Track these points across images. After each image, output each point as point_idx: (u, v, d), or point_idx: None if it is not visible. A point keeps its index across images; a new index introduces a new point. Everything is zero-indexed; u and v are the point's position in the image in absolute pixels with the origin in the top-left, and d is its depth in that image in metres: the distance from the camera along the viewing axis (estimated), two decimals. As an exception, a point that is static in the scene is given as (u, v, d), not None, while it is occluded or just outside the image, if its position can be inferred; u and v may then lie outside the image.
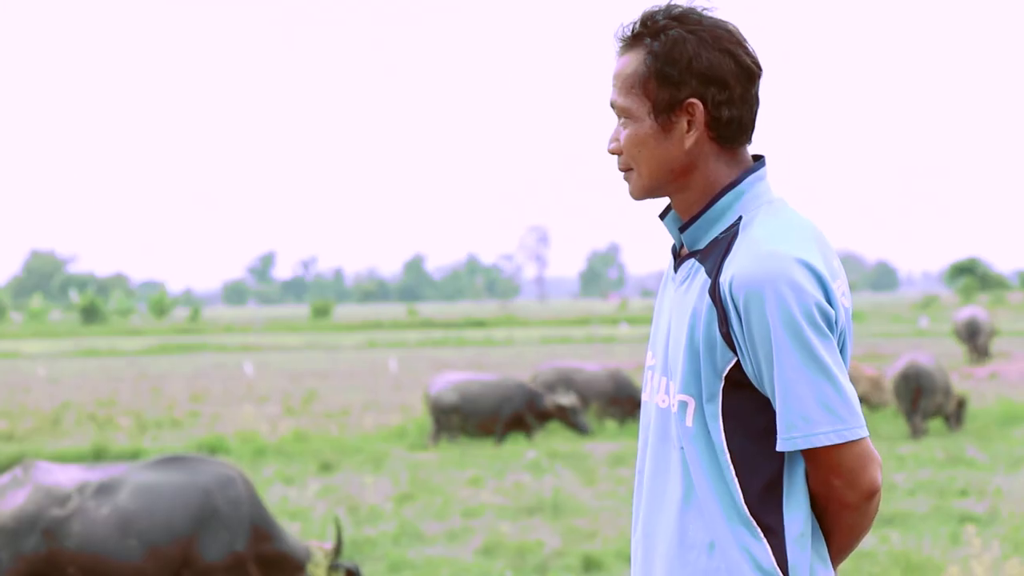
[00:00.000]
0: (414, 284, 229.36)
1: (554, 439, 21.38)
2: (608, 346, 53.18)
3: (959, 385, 28.32)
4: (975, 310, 39.71)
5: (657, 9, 3.18)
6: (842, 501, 3.05)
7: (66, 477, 9.31)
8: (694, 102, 3.13)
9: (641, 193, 3.23)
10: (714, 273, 3.07)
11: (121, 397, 31.51)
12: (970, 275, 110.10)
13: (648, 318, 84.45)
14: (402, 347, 58.15)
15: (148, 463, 9.60)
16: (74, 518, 9.04)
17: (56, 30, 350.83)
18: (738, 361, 3.04)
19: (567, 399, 21.37)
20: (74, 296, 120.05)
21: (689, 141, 3.15)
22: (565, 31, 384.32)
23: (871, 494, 3.06)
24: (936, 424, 22.57)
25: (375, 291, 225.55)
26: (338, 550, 10.09)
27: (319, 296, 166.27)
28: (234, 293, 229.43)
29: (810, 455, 3.02)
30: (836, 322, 3.04)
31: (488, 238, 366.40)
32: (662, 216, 3.32)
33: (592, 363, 23.57)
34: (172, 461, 9.57)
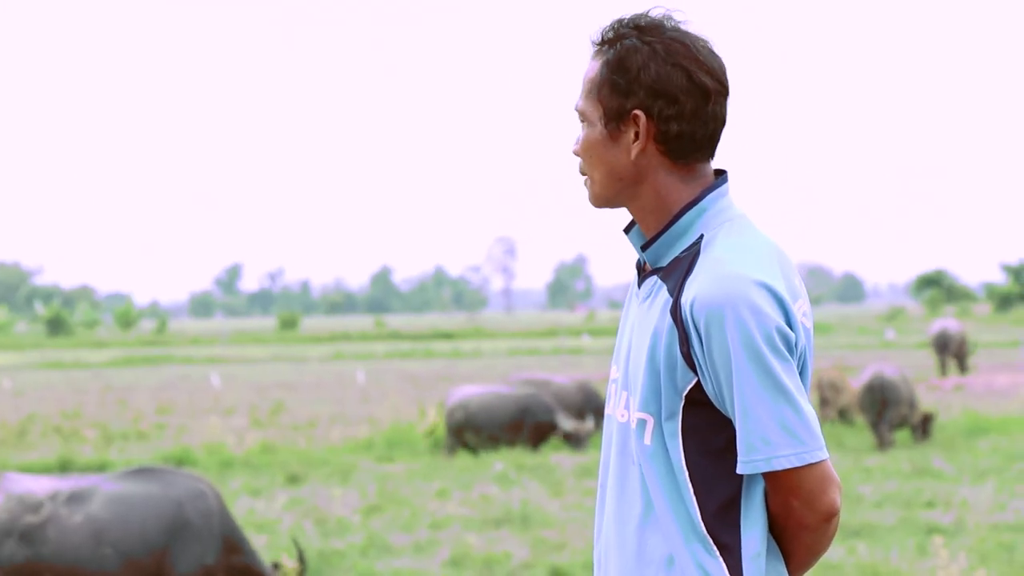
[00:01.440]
0: (381, 296, 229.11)
1: (520, 452, 21.36)
2: (575, 358, 53.21)
3: (926, 397, 28.44)
4: (948, 322, 39.87)
5: (627, 17, 3.17)
6: (801, 522, 3.05)
7: (37, 486, 9.29)
8: (638, 114, 3.12)
9: (594, 200, 3.23)
10: (675, 292, 3.06)
11: (87, 409, 31.38)
12: (936, 287, 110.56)
13: (614, 330, 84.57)
14: (370, 359, 58.07)
15: (118, 474, 9.59)
16: (48, 525, 9.02)
17: (20, 39, 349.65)
18: (698, 381, 3.03)
19: (574, 424, 21.41)
20: (39, 308, 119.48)
21: (635, 151, 3.13)
22: (531, 43, 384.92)
23: (830, 516, 3.05)
24: (902, 436, 22.65)
25: (342, 303, 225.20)
26: (302, 569, 10.08)
27: (286, 308, 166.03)
28: (201, 305, 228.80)
29: (770, 477, 3.02)
30: (796, 345, 3.03)
31: (455, 250, 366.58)
32: (626, 231, 3.30)
33: (560, 375, 23.55)
34: (142, 473, 9.57)
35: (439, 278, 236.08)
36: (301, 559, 10.08)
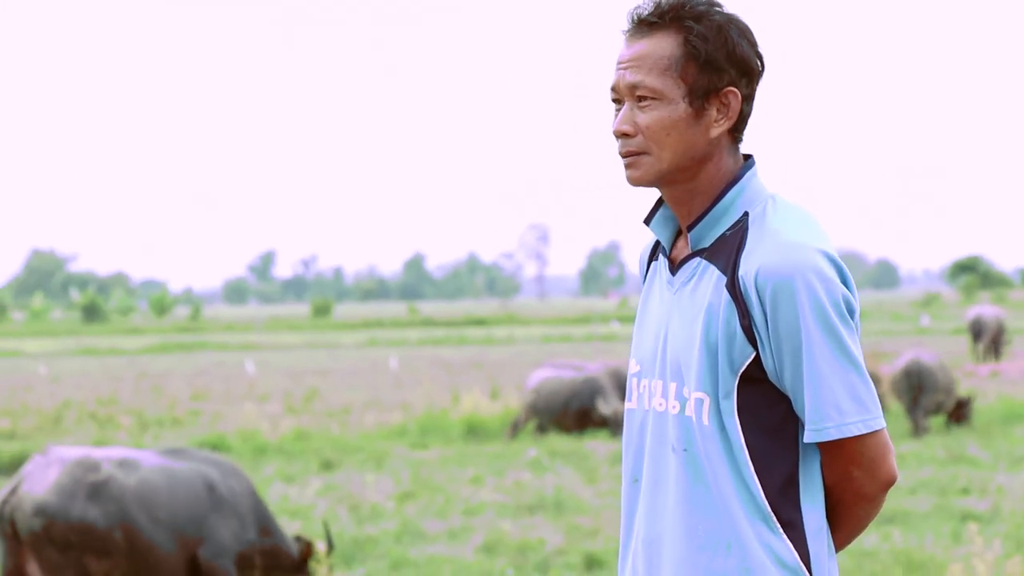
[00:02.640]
0: (414, 282, 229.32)
1: (554, 438, 21.36)
2: (608, 344, 53.15)
3: (961, 383, 28.32)
4: (983, 308, 39.77)
5: None
6: (860, 492, 3.07)
7: (85, 452, 9.35)
8: (733, 91, 3.11)
9: (652, 178, 3.16)
10: (730, 268, 3.05)
11: (122, 396, 31.50)
12: (972, 273, 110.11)
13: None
14: (403, 346, 58.13)
15: (154, 451, 9.70)
16: (111, 483, 9.07)
17: (57, 29, 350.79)
18: (755, 357, 3.03)
19: (613, 409, 21.44)
20: (75, 295, 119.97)
21: (716, 130, 3.12)
22: (565, 29, 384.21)
23: (889, 483, 3.08)
24: (937, 422, 22.57)
25: (375, 290, 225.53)
26: (329, 551, 10.12)
27: (319, 295, 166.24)
28: (235, 292, 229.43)
29: (833, 446, 3.02)
30: (855, 312, 3.05)
31: (488, 236, 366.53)
32: (647, 221, 3.28)
33: (594, 362, 23.53)
34: (174, 452, 9.68)
35: (472, 265, 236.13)
36: (329, 542, 10.11)
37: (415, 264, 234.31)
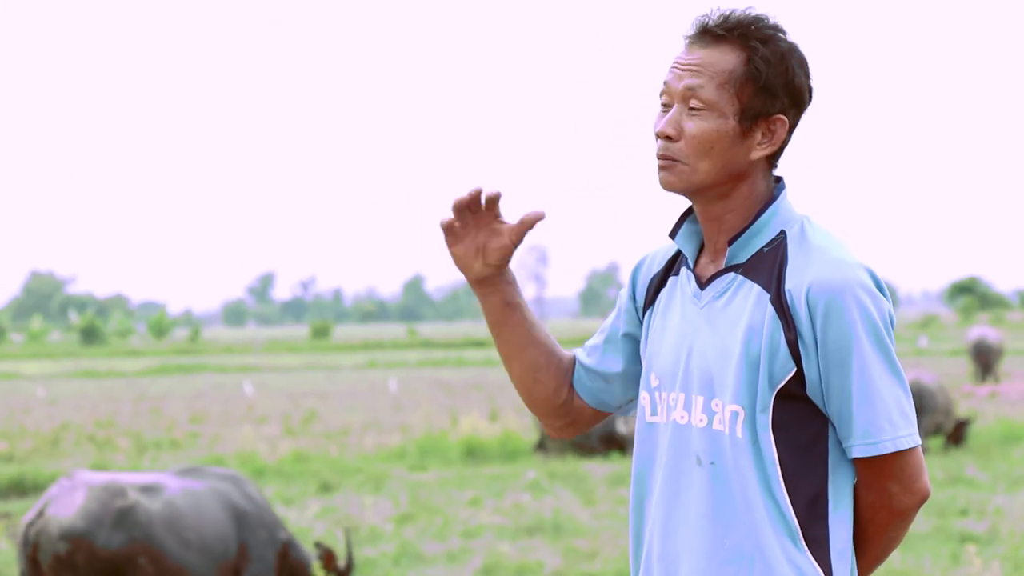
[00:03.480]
0: (414, 304, 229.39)
1: (553, 460, 21.36)
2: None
3: (960, 404, 28.32)
4: (985, 330, 39.96)
5: (757, 14, 3.15)
6: (894, 508, 3.08)
7: (111, 478, 9.36)
8: (782, 119, 3.14)
9: (684, 187, 3.17)
10: (774, 284, 3.07)
11: (120, 418, 31.48)
12: (970, 294, 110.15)
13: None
14: (402, 367, 58.11)
15: (172, 471, 9.74)
16: (138, 509, 9.08)
17: (54, 51, 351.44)
18: (796, 372, 3.04)
19: (627, 428, 21.44)
20: (74, 317, 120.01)
21: (757, 153, 3.15)
22: (561, 50, 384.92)
23: (924, 498, 3.10)
24: (935, 443, 22.57)
25: (375, 311, 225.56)
26: (349, 567, 10.13)
27: (318, 316, 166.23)
28: (234, 314, 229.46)
29: (876, 461, 3.05)
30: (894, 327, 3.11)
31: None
32: (672, 234, 3.28)
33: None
34: (190, 471, 9.74)
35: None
36: (349, 560, 10.12)
37: (414, 286, 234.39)
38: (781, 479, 3.06)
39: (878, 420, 3.01)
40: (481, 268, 3.31)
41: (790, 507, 3.05)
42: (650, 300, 3.36)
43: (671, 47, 3.23)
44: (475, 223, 3.29)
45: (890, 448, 3.01)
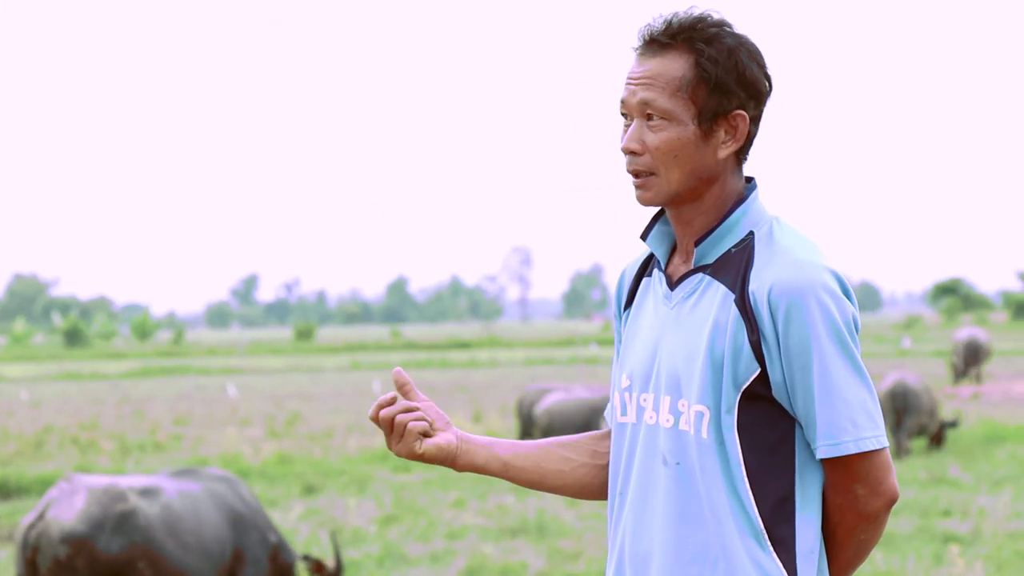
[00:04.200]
0: (397, 306, 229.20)
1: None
2: (591, 367, 53.17)
3: (944, 405, 28.39)
4: (975, 330, 40.13)
5: (698, 14, 3.15)
6: (861, 510, 3.06)
7: (110, 481, 9.35)
8: (742, 114, 3.13)
9: (661, 199, 3.18)
10: (739, 285, 3.08)
11: (104, 420, 31.43)
12: (953, 295, 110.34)
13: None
14: (386, 369, 58.02)
15: (169, 473, 9.73)
16: (137, 513, 9.07)
17: (32, 48, 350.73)
18: (760, 373, 3.04)
19: None
20: (57, 319, 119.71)
21: (724, 152, 3.14)
22: (546, 52, 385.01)
23: (891, 500, 3.08)
24: (919, 444, 22.63)
25: (358, 313, 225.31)
26: (338, 570, 10.12)
27: (302, 318, 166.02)
28: (217, 316, 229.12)
29: (840, 462, 3.04)
30: (858, 331, 3.10)
31: (471, 259, 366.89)
32: (643, 236, 3.29)
33: (578, 385, 23.49)
34: (186, 473, 9.73)
35: (455, 288, 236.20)
36: (338, 563, 10.11)
37: (398, 287, 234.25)
38: (746, 480, 3.06)
39: (840, 421, 3.00)
40: (448, 435, 3.32)
41: (755, 508, 3.05)
42: (627, 304, 3.38)
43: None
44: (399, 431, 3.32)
45: (852, 449, 3.00)
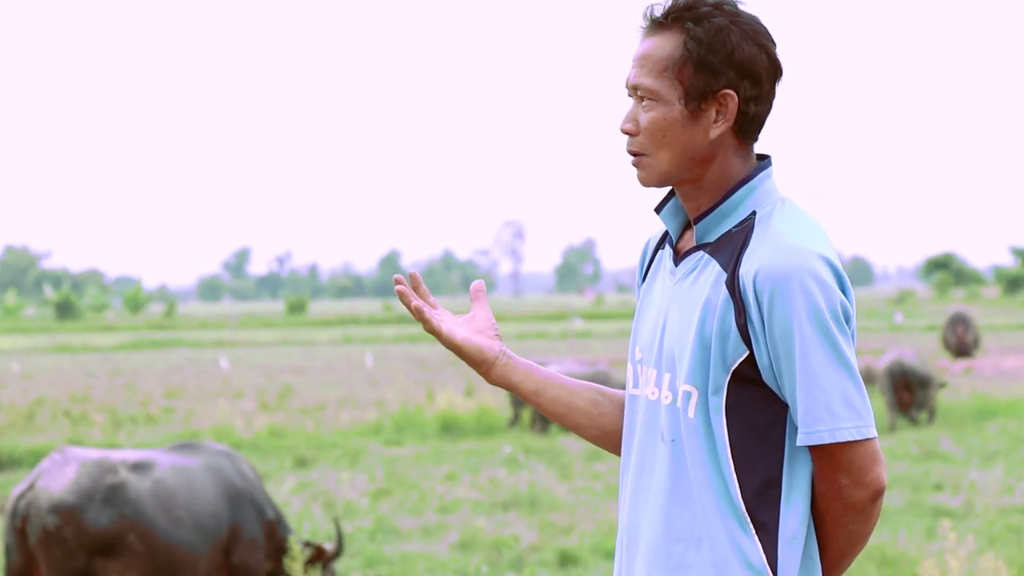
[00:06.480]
0: (390, 280, 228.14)
1: (528, 435, 21.37)
2: (584, 341, 53.22)
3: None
4: (962, 307, 40.43)
5: None
6: (847, 501, 3.03)
7: (103, 454, 9.33)
8: (729, 93, 3.11)
9: (655, 180, 3.18)
10: (731, 266, 3.06)
11: (95, 393, 31.41)
12: (945, 270, 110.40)
13: (621, 313, 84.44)
14: (378, 343, 58.07)
15: (167, 448, 9.72)
16: (127, 486, 9.05)
17: (26, 26, 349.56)
18: (748, 356, 3.03)
19: None
20: (48, 292, 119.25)
21: (715, 132, 3.12)
22: (539, 27, 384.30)
23: (877, 493, 3.04)
24: (902, 420, 22.68)
25: (350, 287, 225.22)
26: (338, 552, 10.09)
27: (294, 292, 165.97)
28: (209, 289, 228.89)
29: (823, 451, 3.00)
30: (851, 319, 3.05)
31: (464, 233, 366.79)
32: (658, 210, 3.28)
33: (570, 359, 23.53)
34: (185, 447, 9.71)
35: (448, 262, 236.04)
36: (339, 542, 10.08)
37: (390, 261, 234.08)
38: (731, 462, 3.04)
39: (816, 409, 2.97)
40: (492, 341, 3.37)
41: (738, 490, 3.04)
42: (644, 275, 3.39)
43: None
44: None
45: (827, 439, 2.96)
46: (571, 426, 3.42)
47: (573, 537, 13.03)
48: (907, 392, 21.98)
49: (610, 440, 3.43)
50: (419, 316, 3.31)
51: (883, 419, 21.96)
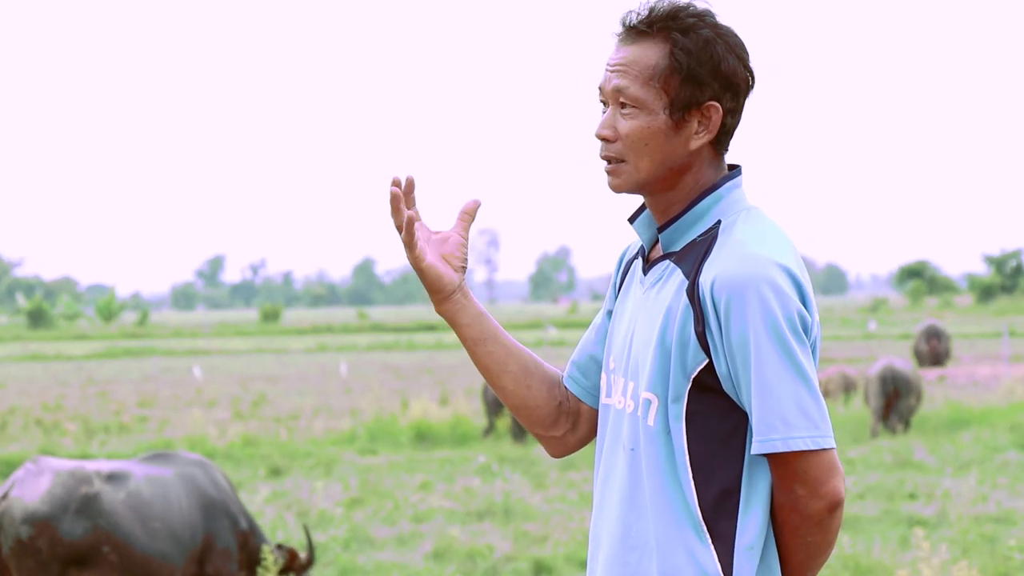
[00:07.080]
0: (364, 288, 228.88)
1: (503, 444, 21.35)
2: (558, 350, 53.20)
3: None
4: (935, 320, 40.77)
5: (679, 4, 3.14)
6: (804, 512, 3.01)
7: (77, 464, 9.29)
8: (715, 105, 3.11)
9: (630, 187, 3.17)
10: (692, 274, 3.05)
11: (68, 402, 31.29)
12: (919, 278, 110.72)
13: (590, 322, 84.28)
14: (352, 351, 57.99)
15: (140, 458, 9.68)
16: (102, 497, 9.01)
17: (2, 32, 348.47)
18: (708, 364, 3.02)
19: None
20: (21, 300, 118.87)
21: (696, 143, 3.13)
22: (512, 35, 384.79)
23: (834, 505, 3.02)
24: (883, 428, 22.71)
25: (325, 295, 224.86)
26: (310, 560, 10.05)
27: (268, 300, 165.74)
28: (183, 297, 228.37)
29: (778, 461, 2.98)
30: (811, 330, 3.04)
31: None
32: (631, 220, 3.28)
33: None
34: (159, 457, 9.67)
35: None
36: (311, 551, 10.04)
37: (364, 269, 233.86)
38: (690, 470, 3.03)
39: (770, 418, 2.95)
40: (454, 272, 3.33)
41: (696, 498, 3.02)
42: (620, 283, 3.39)
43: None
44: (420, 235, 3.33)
45: (780, 448, 2.94)
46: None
47: (547, 547, 13.01)
48: (895, 398, 22.14)
49: (529, 414, 3.42)
50: (408, 227, 3.27)
51: (866, 426, 22.03)
